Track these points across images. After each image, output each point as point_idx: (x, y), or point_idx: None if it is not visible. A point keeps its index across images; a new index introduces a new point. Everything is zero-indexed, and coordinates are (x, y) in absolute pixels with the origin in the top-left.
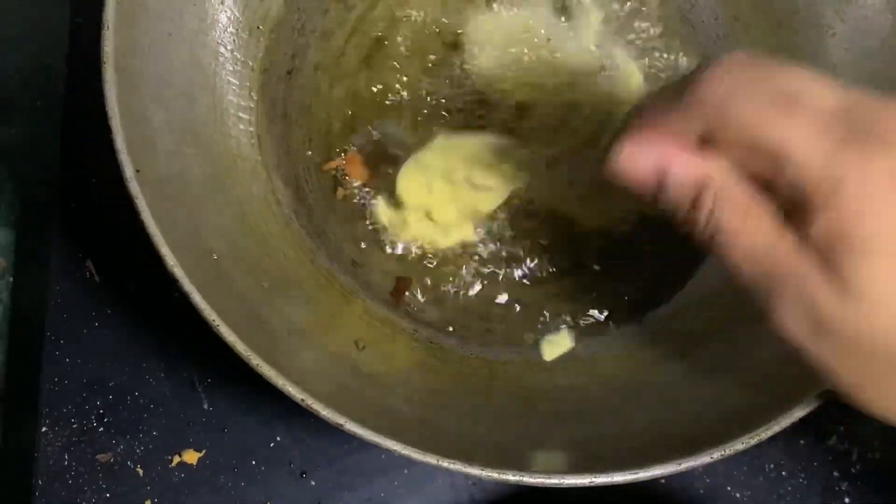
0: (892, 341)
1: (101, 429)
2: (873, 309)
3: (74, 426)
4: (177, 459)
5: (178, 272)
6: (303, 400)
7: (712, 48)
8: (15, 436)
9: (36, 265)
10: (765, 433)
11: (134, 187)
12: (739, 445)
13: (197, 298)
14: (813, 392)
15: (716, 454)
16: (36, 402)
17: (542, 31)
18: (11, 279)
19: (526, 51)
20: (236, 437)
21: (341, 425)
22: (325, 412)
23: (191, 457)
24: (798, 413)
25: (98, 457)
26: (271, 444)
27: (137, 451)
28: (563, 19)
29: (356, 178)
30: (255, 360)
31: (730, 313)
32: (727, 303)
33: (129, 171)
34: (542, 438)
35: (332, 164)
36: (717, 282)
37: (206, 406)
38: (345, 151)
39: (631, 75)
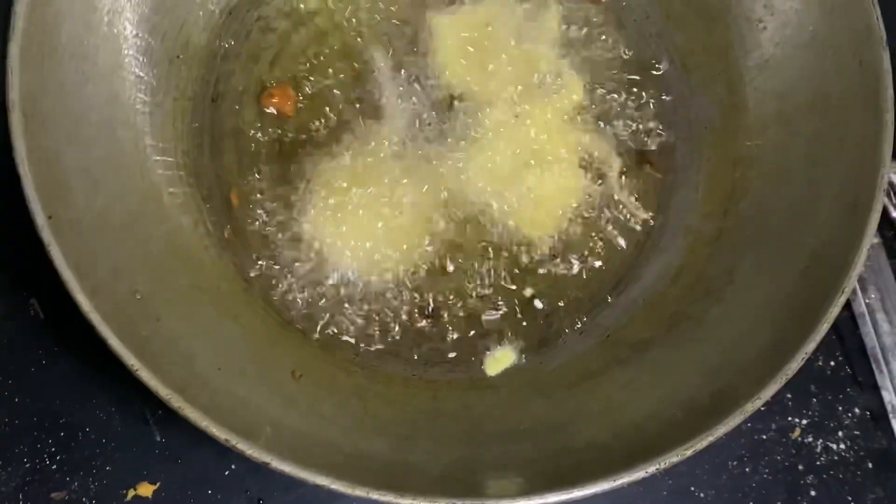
0: None
1: (55, 467)
2: None
3: (27, 465)
4: (132, 493)
5: (94, 318)
6: (227, 440)
7: (647, 46)
8: None
9: None
10: (700, 443)
11: (46, 234)
12: (675, 458)
13: (115, 343)
14: (748, 400)
15: (651, 468)
16: None
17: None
18: None
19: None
20: (191, 468)
21: (267, 464)
22: (251, 451)
23: (146, 489)
24: (734, 421)
25: (52, 495)
26: (226, 473)
27: (92, 487)
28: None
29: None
30: (177, 403)
31: (671, 318)
32: (669, 307)
33: (40, 218)
34: (485, 460)
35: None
36: (659, 284)
37: (158, 438)
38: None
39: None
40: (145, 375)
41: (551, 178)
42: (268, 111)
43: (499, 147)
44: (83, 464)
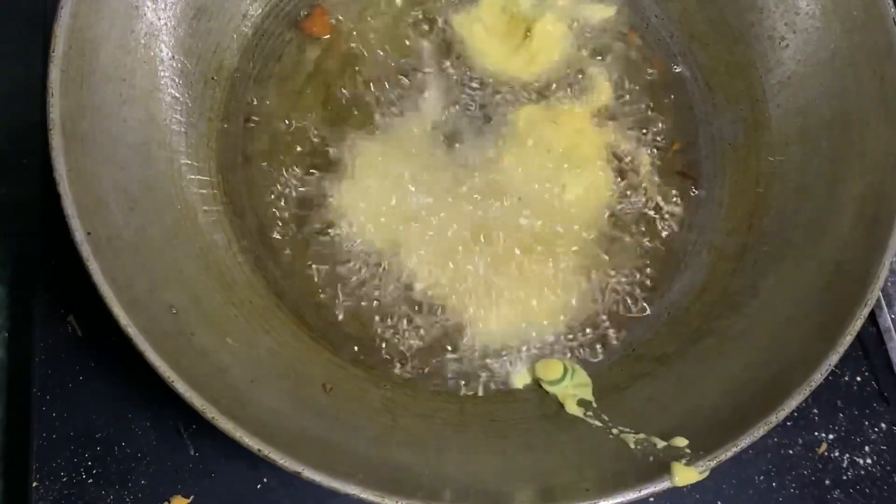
0: None
1: (91, 481)
2: None
3: (64, 480)
4: None
5: (132, 331)
6: (259, 450)
7: (672, 65)
8: (10, 492)
9: (28, 321)
10: (724, 455)
11: (84, 249)
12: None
13: (151, 356)
14: (772, 412)
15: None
16: (27, 457)
17: None
18: (7, 335)
19: None
20: (224, 482)
21: (299, 473)
22: (283, 461)
23: (180, 503)
24: (758, 433)
25: None
26: (259, 486)
27: (127, 500)
28: None
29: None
30: (211, 414)
31: (696, 333)
32: (693, 322)
33: (79, 234)
34: (513, 471)
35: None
36: (684, 299)
37: (192, 452)
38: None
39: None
40: (181, 387)
41: (582, 180)
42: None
43: (530, 146)
44: (118, 477)
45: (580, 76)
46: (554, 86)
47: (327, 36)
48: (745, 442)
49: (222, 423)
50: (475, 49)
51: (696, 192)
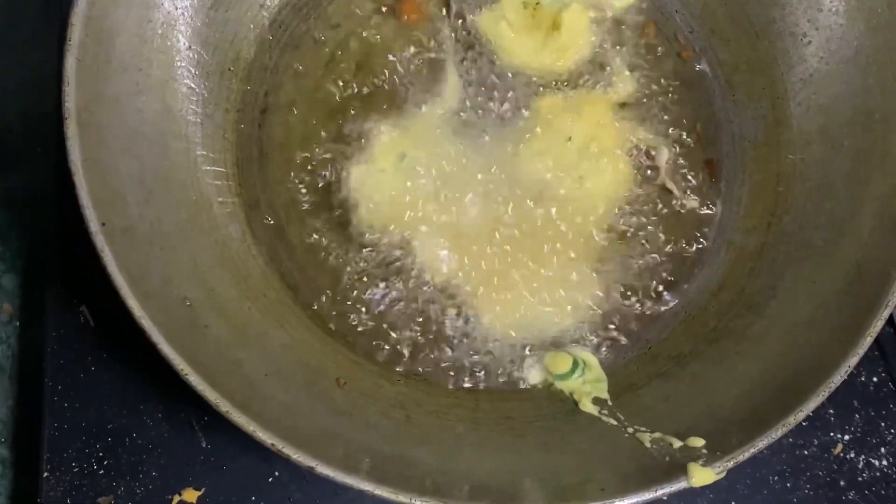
0: None
1: (102, 472)
2: None
3: (76, 470)
4: (177, 499)
5: (146, 323)
6: (273, 445)
7: (691, 61)
8: (21, 481)
9: (41, 311)
10: (741, 456)
11: (99, 240)
12: (717, 470)
13: (165, 349)
14: (790, 413)
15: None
16: (38, 447)
17: None
18: (18, 324)
19: None
20: (235, 474)
21: (312, 468)
22: (296, 456)
23: (190, 495)
24: (776, 434)
25: (99, 500)
26: (270, 480)
27: (138, 492)
28: None
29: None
30: (225, 407)
31: (713, 332)
32: (711, 321)
33: (93, 225)
34: (526, 469)
35: None
36: (701, 298)
37: (204, 444)
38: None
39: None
40: (194, 380)
41: (601, 172)
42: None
43: (551, 134)
44: (130, 469)
45: (603, 69)
46: (577, 78)
47: (416, 18)
48: (762, 443)
49: (236, 417)
50: (501, 47)
51: (716, 189)
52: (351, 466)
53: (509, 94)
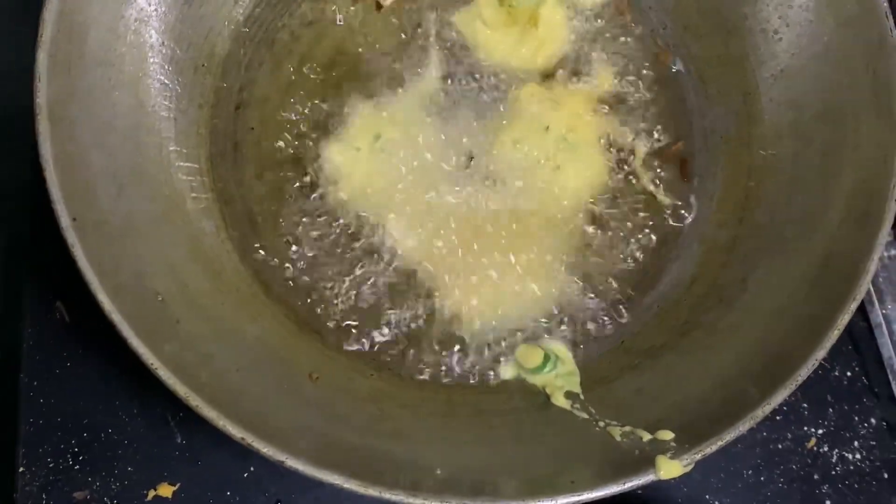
0: None
1: (77, 467)
2: None
3: (51, 465)
4: (152, 494)
5: (116, 317)
6: (242, 438)
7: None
8: None
9: (17, 306)
10: (710, 448)
11: (70, 235)
12: (685, 462)
13: (135, 343)
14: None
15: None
16: (13, 443)
17: None
18: None
19: None
20: (211, 469)
21: (282, 462)
22: (266, 449)
23: (166, 490)
24: (744, 426)
25: (75, 495)
26: (245, 475)
27: (113, 487)
28: None
29: None
30: (195, 402)
31: (685, 325)
32: (682, 314)
33: (64, 219)
34: (497, 463)
35: None
36: (673, 292)
37: (179, 440)
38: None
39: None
40: (164, 374)
41: (577, 163)
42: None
43: (528, 123)
44: (105, 464)
45: (580, 63)
46: (555, 71)
47: (394, 6)
48: (730, 436)
49: (206, 412)
50: (478, 44)
51: (688, 183)
52: (321, 460)
53: (487, 82)
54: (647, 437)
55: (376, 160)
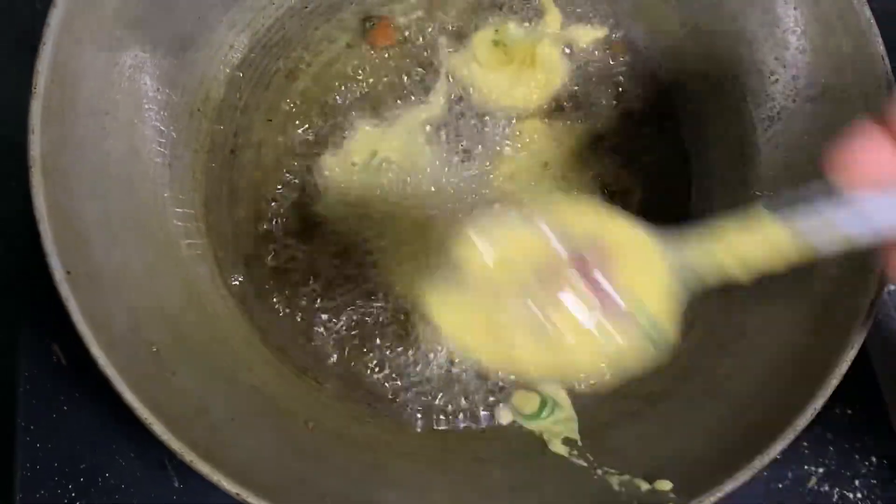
0: None
1: None
2: None
3: None
4: None
5: (110, 372)
6: (237, 494)
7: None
8: None
9: (11, 348)
10: (709, 499)
11: (64, 289)
12: None
13: (129, 398)
14: (756, 456)
15: None
16: (11, 488)
17: None
18: None
19: None
20: None
21: None
22: None
23: None
24: (743, 477)
25: None
26: None
27: None
28: None
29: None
30: (189, 457)
31: (683, 371)
32: (681, 360)
33: (58, 273)
34: None
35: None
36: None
37: (176, 484)
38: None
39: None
40: (158, 429)
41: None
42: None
43: (526, 159)
44: None
45: (581, 101)
46: (554, 110)
47: (391, 45)
48: (729, 487)
49: (200, 467)
50: (474, 86)
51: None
52: None
53: (487, 118)
54: (645, 486)
55: (369, 176)
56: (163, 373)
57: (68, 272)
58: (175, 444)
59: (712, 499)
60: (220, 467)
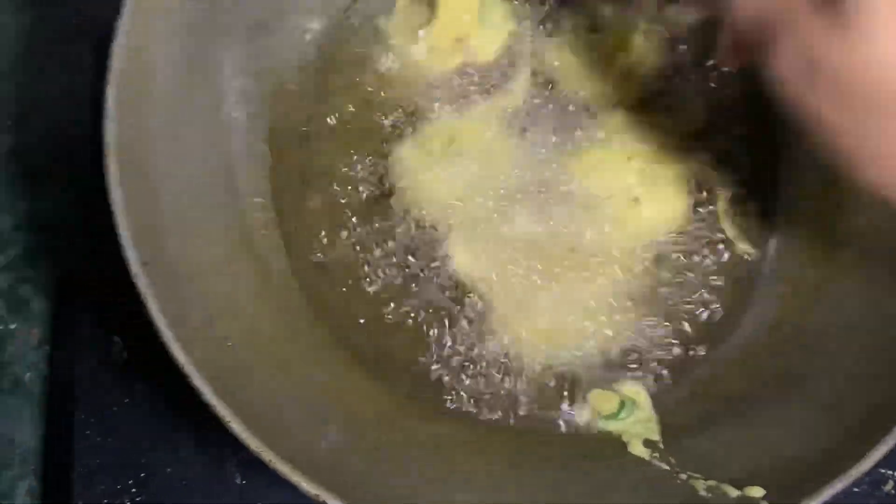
0: (891, 78)
1: None
2: (869, 42)
3: None
4: None
5: (190, 369)
6: (317, 496)
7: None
8: None
9: (71, 338)
10: None
11: (141, 282)
12: None
13: (208, 395)
14: (853, 465)
15: None
16: (68, 482)
17: None
18: (48, 349)
19: None
20: None
21: None
22: None
23: None
24: (838, 485)
25: None
26: None
27: None
28: None
29: None
30: (268, 457)
31: (769, 372)
32: (765, 360)
33: (135, 265)
34: None
35: None
36: (754, 334)
37: (238, 480)
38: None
39: None
40: (237, 428)
41: (657, 198)
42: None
43: (611, 151)
44: None
45: (671, 96)
46: (645, 102)
47: None
48: (826, 495)
49: (280, 467)
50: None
51: (771, 227)
52: None
53: (573, 107)
54: (734, 493)
55: (446, 165)
56: (239, 368)
57: (145, 263)
58: (254, 444)
59: None
60: (299, 468)
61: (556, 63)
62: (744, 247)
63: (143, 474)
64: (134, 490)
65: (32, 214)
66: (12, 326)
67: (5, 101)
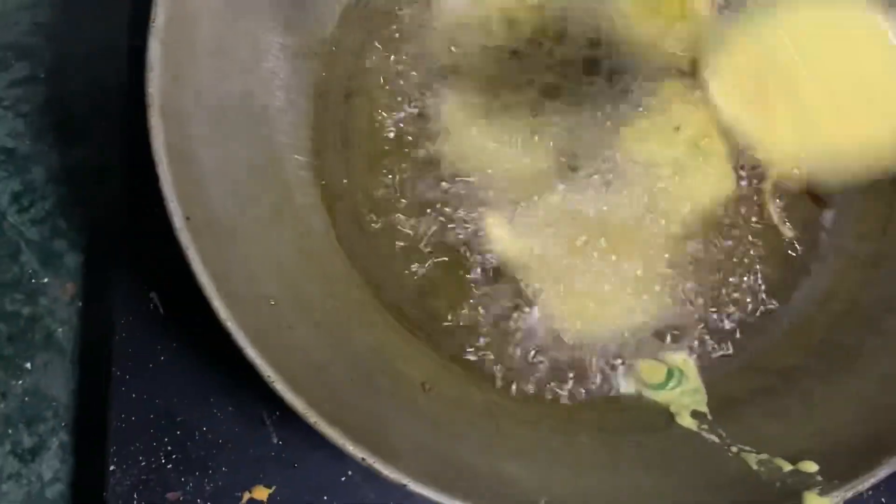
0: None
1: (170, 466)
2: None
3: (143, 464)
4: (247, 496)
5: (232, 326)
6: (363, 459)
7: None
8: (83, 469)
9: (105, 293)
10: (861, 485)
11: (184, 237)
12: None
13: (252, 354)
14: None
15: None
16: (103, 438)
17: None
18: (81, 304)
19: None
20: (307, 473)
21: (404, 486)
22: (387, 471)
23: (261, 493)
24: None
25: (168, 495)
26: (343, 479)
27: (207, 488)
28: None
29: None
30: (313, 418)
31: (821, 346)
32: (817, 333)
33: (178, 220)
34: (625, 489)
35: None
36: (806, 308)
37: (275, 441)
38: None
39: None
40: (281, 388)
41: (703, 169)
42: None
43: (658, 121)
44: (199, 464)
45: None
46: (700, 70)
47: None
48: (884, 472)
49: (325, 429)
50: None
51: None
52: (443, 485)
53: (621, 73)
54: (787, 467)
55: (492, 122)
56: (281, 327)
57: (188, 218)
58: (299, 405)
59: (866, 484)
60: (345, 430)
61: (606, 25)
62: (789, 227)
63: (179, 432)
64: (170, 448)
65: (66, 167)
66: (45, 280)
67: (39, 52)
